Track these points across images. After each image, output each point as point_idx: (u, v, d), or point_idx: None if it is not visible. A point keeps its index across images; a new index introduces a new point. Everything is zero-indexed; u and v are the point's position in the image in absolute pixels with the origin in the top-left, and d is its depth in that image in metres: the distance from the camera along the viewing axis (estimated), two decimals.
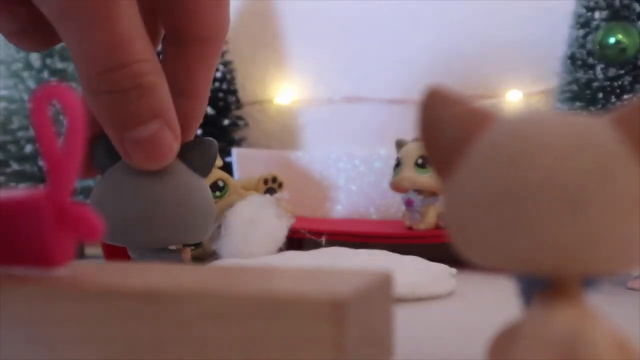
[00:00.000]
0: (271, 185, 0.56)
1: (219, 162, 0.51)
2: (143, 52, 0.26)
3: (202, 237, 0.30)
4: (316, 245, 0.52)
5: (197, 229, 0.29)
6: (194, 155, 0.29)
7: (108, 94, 0.26)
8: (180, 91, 0.30)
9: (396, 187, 0.60)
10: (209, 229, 0.30)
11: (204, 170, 0.30)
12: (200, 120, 0.32)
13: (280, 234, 0.49)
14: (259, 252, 0.47)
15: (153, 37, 0.31)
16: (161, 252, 0.29)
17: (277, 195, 0.52)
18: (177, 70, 0.30)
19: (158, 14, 0.31)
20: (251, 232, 0.47)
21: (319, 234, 0.53)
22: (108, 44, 0.26)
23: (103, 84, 0.26)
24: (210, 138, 0.31)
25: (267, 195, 0.52)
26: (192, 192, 0.29)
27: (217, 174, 0.51)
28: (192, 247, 0.40)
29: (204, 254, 0.50)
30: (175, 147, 0.28)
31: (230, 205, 0.48)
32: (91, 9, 0.25)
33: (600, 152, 0.16)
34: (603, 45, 0.58)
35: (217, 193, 0.50)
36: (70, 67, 0.66)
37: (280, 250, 0.49)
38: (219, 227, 0.48)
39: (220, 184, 0.50)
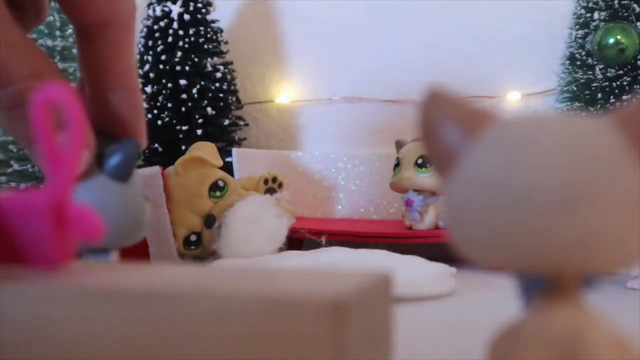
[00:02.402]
0: (271, 185, 0.56)
1: (219, 162, 0.51)
2: (28, 68, 0.26)
3: (125, 242, 0.30)
4: (316, 245, 0.52)
5: (114, 236, 0.28)
6: (108, 163, 0.28)
7: (5, 112, 0.26)
8: (104, 87, 0.29)
9: (396, 187, 0.60)
10: (129, 234, 0.29)
11: (121, 176, 0.28)
12: (139, 112, 0.30)
13: (280, 234, 0.49)
14: (259, 252, 0.47)
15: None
16: (93, 252, 0.29)
17: (277, 195, 0.52)
18: (94, 66, 0.29)
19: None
20: (251, 232, 0.47)
21: (319, 234, 0.53)
22: None
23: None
24: (130, 140, 0.29)
25: (267, 195, 0.52)
26: (103, 204, 0.28)
27: (217, 174, 0.51)
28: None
29: (203, 254, 0.50)
30: (85, 155, 0.27)
31: (230, 205, 0.48)
32: None
33: (600, 153, 0.16)
34: (602, 45, 0.58)
35: (217, 193, 0.50)
36: (71, 67, 0.66)
37: (280, 250, 0.49)
38: (219, 227, 0.48)
39: (220, 184, 0.50)
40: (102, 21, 0.29)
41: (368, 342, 0.19)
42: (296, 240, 0.56)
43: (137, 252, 0.43)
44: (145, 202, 0.31)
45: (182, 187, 0.49)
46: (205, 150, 0.51)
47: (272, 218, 0.48)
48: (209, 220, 0.49)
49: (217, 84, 0.73)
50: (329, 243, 0.52)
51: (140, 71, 0.72)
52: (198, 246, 0.50)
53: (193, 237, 0.49)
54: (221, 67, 0.74)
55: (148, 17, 0.74)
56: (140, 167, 0.62)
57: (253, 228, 0.47)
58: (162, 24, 0.72)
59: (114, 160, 0.28)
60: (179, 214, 0.49)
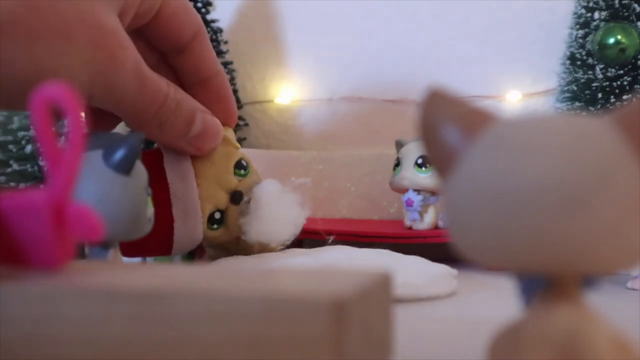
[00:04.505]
0: None
1: (238, 145, 0.51)
2: (165, 85, 0.38)
3: (124, 237, 0.30)
4: (316, 244, 0.52)
5: (113, 229, 0.29)
6: (113, 156, 0.30)
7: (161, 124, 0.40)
8: (200, 80, 0.43)
9: (396, 187, 0.60)
10: (130, 226, 0.30)
11: (124, 168, 0.30)
12: (224, 87, 0.45)
13: (300, 221, 0.48)
14: (281, 235, 0.47)
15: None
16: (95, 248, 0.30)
17: (300, 181, 0.50)
18: (189, 69, 0.43)
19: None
20: (276, 212, 0.47)
21: (319, 234, 0.53)
22: None
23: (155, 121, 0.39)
24: (133, 134, 0.31)
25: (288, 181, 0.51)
26: (103, 195, 0.29)
27: (239, 153, 0.50)
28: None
29: (225, 236, 0.49)
30: (217, 121, 0.44)
31: (254, 185, 0.48)
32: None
33: (601, 153, 0.16)
34: (602, 45, 0.58)
35: (242, 171, 0.50)
36: None
37: (284, 247, 0.49)
38: (249, 201, 0.47)
39: (244, 163, 0.50)
40: (184, 41, 0.41)
41: (368, 342, 0.19)
42: (296, 240, 0.56)
43: (160, 228, 0.42)
44: (147, 197, 0.31)
45: (210, 161, 0.48)
46: (228, 131, 0.51)
47: (294, 203, 0.48)
48: (236, 196, 0.48)
49: None
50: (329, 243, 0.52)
51: None
52: (221, 225, 0.48)
53: (217, 215, 0.48)
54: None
55: None
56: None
57: (278, 208, 0.47)
58: None
59: (118, 153, 0.30)
60: (207, 188, 0.47)
